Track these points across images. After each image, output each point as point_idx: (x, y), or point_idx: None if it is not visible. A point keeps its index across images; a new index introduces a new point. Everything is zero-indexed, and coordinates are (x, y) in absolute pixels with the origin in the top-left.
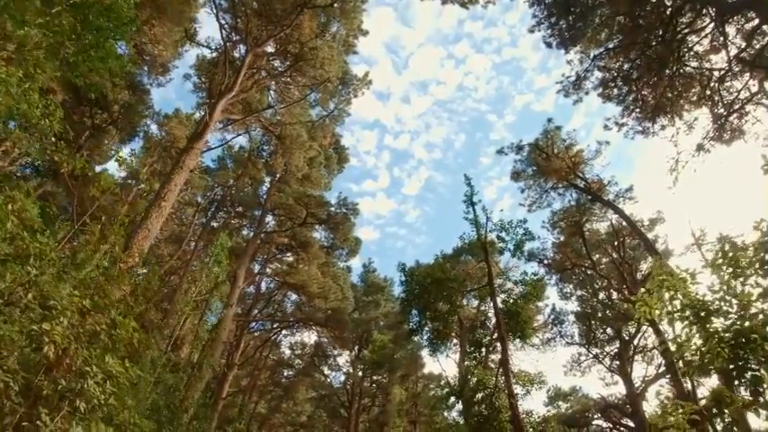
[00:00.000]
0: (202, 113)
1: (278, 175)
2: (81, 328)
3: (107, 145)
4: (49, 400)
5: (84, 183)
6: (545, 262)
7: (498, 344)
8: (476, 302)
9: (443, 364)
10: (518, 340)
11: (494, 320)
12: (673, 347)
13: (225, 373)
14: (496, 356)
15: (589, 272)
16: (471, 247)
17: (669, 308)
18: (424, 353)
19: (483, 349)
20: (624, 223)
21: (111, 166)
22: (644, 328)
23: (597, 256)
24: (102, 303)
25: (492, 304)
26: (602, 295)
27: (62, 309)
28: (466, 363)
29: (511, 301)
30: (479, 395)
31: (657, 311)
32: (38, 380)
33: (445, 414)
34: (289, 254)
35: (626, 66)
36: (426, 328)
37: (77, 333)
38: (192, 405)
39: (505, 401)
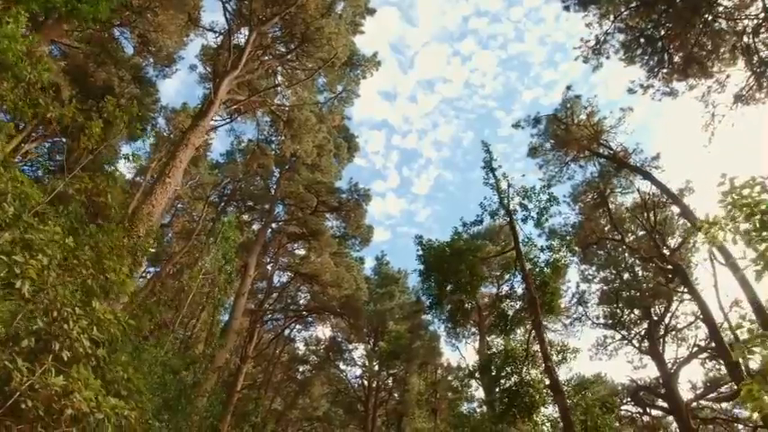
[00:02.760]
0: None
1: (287, 165)
2: (63, 269)
3: (115, 140)
4: (30, 350)
5: (77, 136)
6: (568, 238)
7: (526, 318)
8: (494, 289)
9: (462, 352)
10: (545, 315)
11: (519, 292)
12: (754, 269)
13: (239, 367)
14: (521, 338)
15: (613, 252)
16: (493, 218)
17: (747, 226)
18: (442, 344)
19: (509, 323)
20: (654, 190)
21: (119, 165)
22: (674, 305)
23: (620, 236)
24: (91, 255)
25: (519, 267)
26: (626, 275)
27: (41, 245)
28: (489, 340)
29: (537, 269)
30: (508, 368)
31: (730, 234)
32: (15, 323)
33: (465, 407)
34: (300, 245)
35: (650, 25)
36: (446, 305)
37: (60, 275)
38: (205, 380)
39: (536, 373)
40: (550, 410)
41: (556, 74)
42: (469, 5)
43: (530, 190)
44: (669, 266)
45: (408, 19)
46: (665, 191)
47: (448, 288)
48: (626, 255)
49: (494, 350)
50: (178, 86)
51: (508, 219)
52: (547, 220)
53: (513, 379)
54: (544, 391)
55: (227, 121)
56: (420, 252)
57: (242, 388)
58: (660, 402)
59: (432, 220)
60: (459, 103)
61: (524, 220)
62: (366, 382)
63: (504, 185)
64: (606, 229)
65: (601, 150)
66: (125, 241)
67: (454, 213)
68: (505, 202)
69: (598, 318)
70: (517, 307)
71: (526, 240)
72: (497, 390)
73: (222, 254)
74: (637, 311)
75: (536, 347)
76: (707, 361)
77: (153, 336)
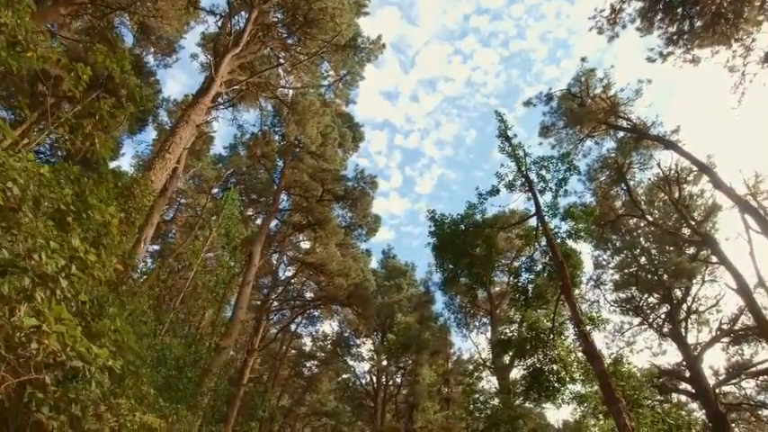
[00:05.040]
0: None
1: (291, 155)
2: (36, 199)
3: (116, 131)
4: None
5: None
6: (589, 209)
7: (549, 291)
8: (505, 278)
9: (473, 341)
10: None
11: (539, 267)
12: None
13: (245, 360)
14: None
15: (628, 236)
16: (509, 189)
17: None
18: (453, 337)
19: (529, 296)
20: (677, 163)
21: (123, 162)
22: (695, 288)
23: (640, 212)
24: (74, 200)
25: (541, 232)
26: (643, 259)
27: (9, 171)
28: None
29: (558, 240)
30: (531, 343)
31: None
32: None
33: (480, 396)
34: (306, 236)
35: None
36: (461, 282)
37: (32, 205)
38: (210, 359)
39: (563, 347)
40: (578, 388)
41: (558, 70)
42: (470, 3)
43: (547, 159)
44: (697, 237)
45: (409, 18)
46: (692, 160)
47: (464, 263)
48: (641, 239)
49: (512, 328)
50: (180, 88)
51: (527, 186)
52: (566, 192)
53: (536, 355)
54: (574, 363)
55: (228, 99)
56: (432, 227)
57: (248, 381)
58: (683, 387)
59: None
60: (461, 101)
61: (542, 192)
62: (374, 378)
63: (520, 153)
64: (622, 211)
65: (619, 122)
66: (117, 211)
67: (458, 212)
68: (523, 169)
69: (615, 302)
70: (538, 282)
71: (546, 210)
72: (521, 367)
73: (225, 231)
74: (656, 295)
75: (561, 319)
76: (730, 345)
77: (153, 313)
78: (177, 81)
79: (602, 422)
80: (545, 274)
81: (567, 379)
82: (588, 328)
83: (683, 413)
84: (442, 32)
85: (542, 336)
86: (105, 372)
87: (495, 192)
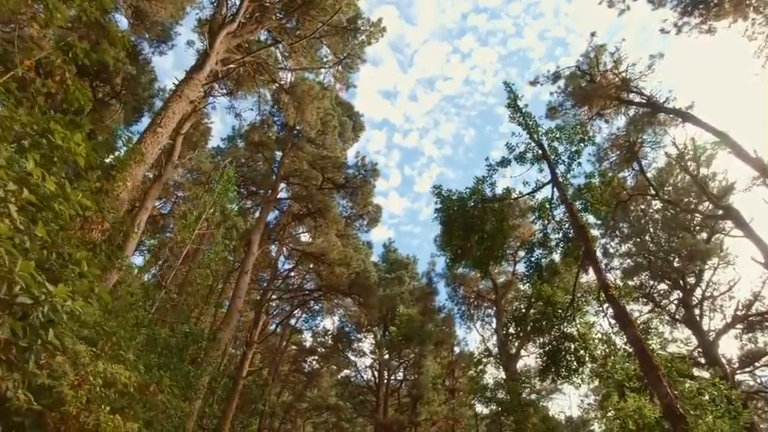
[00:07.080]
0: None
1: (290, 144)
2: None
3: (111, 120)
4: None
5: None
6: (608, 177)
7: (565, 266)
8: (510, 268)
9: (479, 332)
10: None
11: (552, 242)
12: None
13: (244, 352)
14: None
15: (637, 223)
16: (520, 161)
17: None
18: (457, 328)
19: (544, 272)
20: (692, 139)
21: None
22: (708, 274)
23: (654, 190)
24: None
25: (559, 198)
26: (652, 246)
27: None
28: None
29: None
30: (549, 317)
31: None
32: None
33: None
34: (306, 227)
35: None
36: (471, 256)
37: None
38: (209, 341)
39: (581, 325)
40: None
41: (557, 68)
42: (468, 2)
43: (560, 129)
44: (719, 211)
45: (407, 17)
46: (712, 131)
47: (473, 239)
48: (650, 225)
49: (525, 305)
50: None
51: (541, 153)
52: (579, 164)
53: (552, 333)
54: (595, 339)
55: (224, 79)
56: (439, 205)
57: (248, 375)
58: (698, 374)
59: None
60: (460, 100)
61: (555, 164)
62: (376, 372)
63: (531, 123)
64: (640, 183)
65: (631, 97)
66: (84, 139)
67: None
68: (536, 137)
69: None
70: (552, 258)
71: (563, 179)
72: (535, 347)
73: (220, 209)
74: (667, 281)
75: (579, 294)
76: (743, 333)
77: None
78: (175, 80)
79: (630, 400)
80: (558, 252)
81: (587, 357)
82: (616, 294)
83: (723, 386)
84: (440, 31)
85: (560, 311)
86: (62, 314)
87: (506, 163)
